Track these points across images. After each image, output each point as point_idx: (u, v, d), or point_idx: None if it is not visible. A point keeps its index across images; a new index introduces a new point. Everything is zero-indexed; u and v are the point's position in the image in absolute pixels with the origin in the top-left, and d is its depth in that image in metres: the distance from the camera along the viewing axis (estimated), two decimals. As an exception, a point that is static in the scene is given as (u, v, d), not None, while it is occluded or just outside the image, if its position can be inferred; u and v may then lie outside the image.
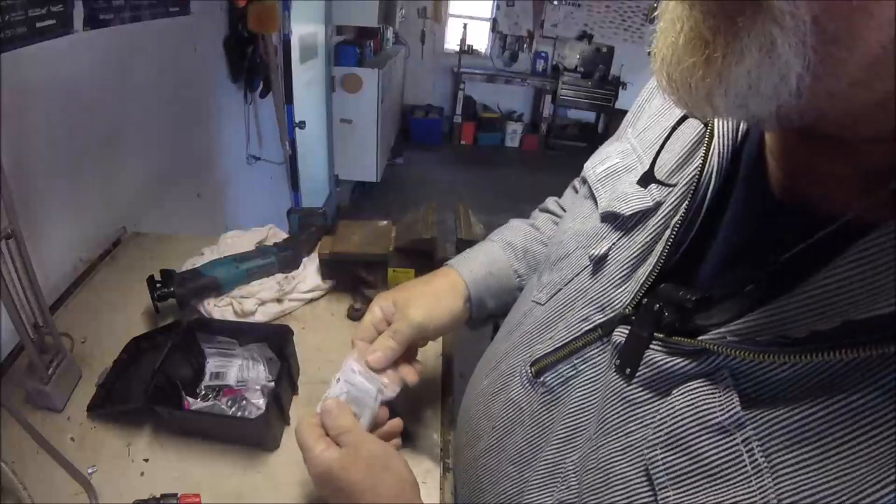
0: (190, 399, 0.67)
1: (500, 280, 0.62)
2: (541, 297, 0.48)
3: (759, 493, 0.25)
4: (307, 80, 2.79)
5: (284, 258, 0.89)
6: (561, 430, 0.40)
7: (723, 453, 0.28)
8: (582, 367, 0.40)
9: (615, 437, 0.35)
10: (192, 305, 0.82)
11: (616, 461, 0.34)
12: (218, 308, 0.82)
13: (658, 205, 0.39)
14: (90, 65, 0.94)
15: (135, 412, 0.64)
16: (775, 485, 0.25)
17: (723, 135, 0.35)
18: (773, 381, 0.27)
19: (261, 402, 0.68)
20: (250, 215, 1.92)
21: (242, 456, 0.62)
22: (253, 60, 1.70)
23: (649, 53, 0.27)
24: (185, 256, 0.91)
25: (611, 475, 0.34)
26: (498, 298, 0.62)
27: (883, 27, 0.19)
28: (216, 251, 0.91)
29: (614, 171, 0.46)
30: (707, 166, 0.35)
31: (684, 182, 0.37)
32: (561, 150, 5.44)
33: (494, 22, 5.36)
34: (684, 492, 0.29)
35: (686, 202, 0.35)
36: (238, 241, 0.95)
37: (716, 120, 0.35)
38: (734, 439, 0.27)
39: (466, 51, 5.20)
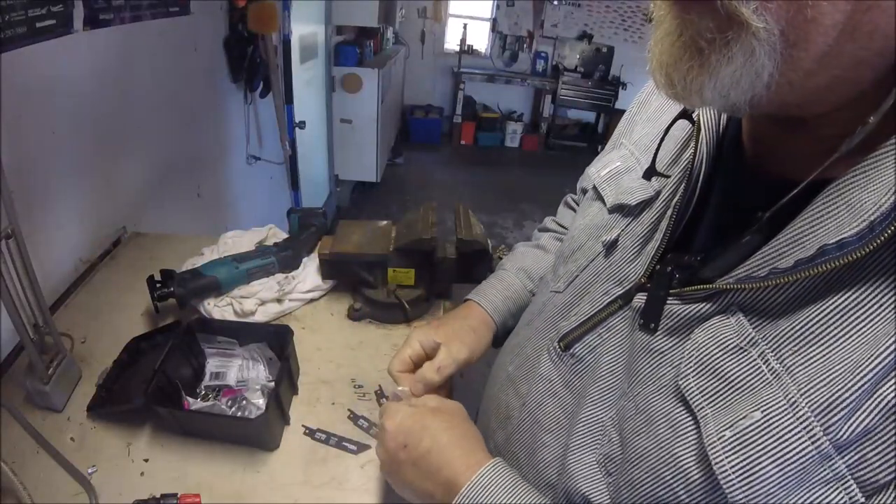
0: (190, 399, 0.67)
1: (517, 302, 0.69)
2: (559, 287, 0.54)
3: (782, 391, 0.30)
4: (307, 80, 2.79)
5: (284, 258, 0.89)
6: (594, 392, 0.45)
7: (744, 368, 0.33)
8: (607, 335, 0.46)
9: (648, 383, 0.39)
10: (192, 305, 0.82)
11: (654, 401, 0.38)
12: (218, 308, 0.82)
13: (658, 193, 0.46)
14: (90, 65, 0.94)
15: (135, 412, 0.64)
16: (793, 381, 0.30)
17: (709, 129, 0.42)
18: (774, 304, 0.33)
19: (261, 402, 0.68)
20: (250, 215, 1.92)
21: (242, 456, 0.62)
22: (253, 60, 1.70)
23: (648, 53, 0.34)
24: (185, 256, 0.91)
25: (652, 414, 0.38)
26: (517, 317, 0.67)
27: (828, 32, 0.26)
28: (216, 251, 0.91)
29: (617, 172, 0.54)
30: (698, 154, 0.42)
31: (680, 169, 0.45)
32: (561, 150, 5.45)
33: (494, 22, 5.36)
34: (720, 406, 0.33)
35: (683, 184, 0.42)
36: (238, 241, 0.95)
37: (702, 117, 0.42)
38: (751, 355, 0.33)
39: (466, 51, 5.20)
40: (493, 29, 5.39)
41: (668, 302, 0.39)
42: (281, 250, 0.90)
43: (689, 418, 0.35)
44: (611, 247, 0.48)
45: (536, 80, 5.36)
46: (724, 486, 0.31)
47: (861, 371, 0.28)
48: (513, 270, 0.72)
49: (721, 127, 0.43)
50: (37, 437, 0.56)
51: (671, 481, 0.35)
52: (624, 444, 0.40)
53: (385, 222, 0.92)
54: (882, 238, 0.27)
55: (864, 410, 0.28)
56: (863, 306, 0.29)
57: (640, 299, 0.42)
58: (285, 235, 0.99)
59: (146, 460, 0.61)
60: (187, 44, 1.35)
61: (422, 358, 0.59)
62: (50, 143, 0.85)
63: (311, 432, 0.66)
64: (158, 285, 0.78)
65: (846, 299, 0.29)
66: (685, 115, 0.44)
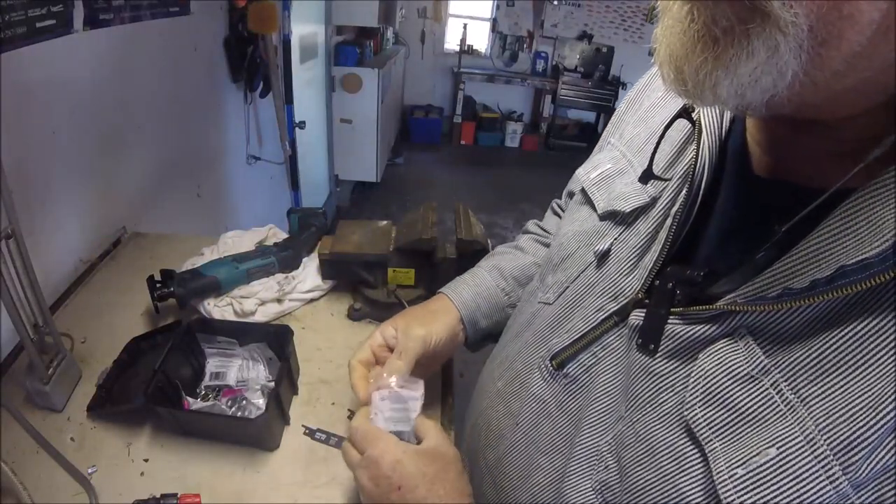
0: (190, 399, 0.67)
1: (489, 300, 0.66)
2: (548, 297, 0.50)
3: (798, 424, 0.28)
4: (307, 80, 2.80)
5: (284, 258, 0.89)
6: (590, 415, 0.42)
7: (756, 398, 0.30)
8: (601, 353, 0.43)
9: (648, 409, 0.37)
10: (192, 305, 0.82)
11: (655, 430, 0.36)
12: (218, 308, 0.82)
13: (654, 200, 0.43)
14: (90, 65, 0.94)
15: (135, 412, 0.64)
16: (810, 414, 0.28)
17: (711, 131, 0.39)
18: (787, 329, 0.30)
19: (261, 402, 0.68)
20: (250, 215, 1.92)
21: (242, 456, 0.62)
22: (253, 60, 1.70)
23: (650, 53, 0.31)
24: (185, 256, 0.91)
25: (654, 445, 0.36)
26: (490, 318, 0.66)
27: (863, 30, 0.24)
28: (216, 251, 0.91)
29: (607, 175, 0.50)
30: (699, 158, 0.38)
31: (680, 174, 0.41)
32: (561, 150, 5.44)
33: (494, 22, 5.36)
34: (730, 440, 0.31)
35: (684, 191, 0.39)
36: (238, 241, 0.95)
37: (703, 118, 0.39)
38: (763, 385, 0.30)
39: (466, 51, 5.20)
40: (493, 29, 5.39)
41: (670, 321, 0.36)
42: (281, 250, 0.90)
43: (696, 451, 0.33)
44: (603, 257, 0.45)
45: (536, 80, 5.36)
46: None
47: (884, 406, 0.26)
48: (486, 268, 0.70)
49: (724, 128, 0.40)
50: (37, 437, 0.56)
51: None
52: (623, 473, 0.38)
53: (385, 222, 0.92)
54: None
55: (885, 448, 0.26)
56: (884, 334, 0.27)
57: (637, 316, 0.39)
58: (285, 235, 0.99)
59: (146, 460, 0.61)
60: (187, 44, 1.35)
61: (384, 349, 0.59)
62: (50, 143, 0.85)
63: (311, 432, 0.66)
64: (158, 285, 0.78)
65: (866, 326, 0.27)
66: (684, 113, 0.41)
